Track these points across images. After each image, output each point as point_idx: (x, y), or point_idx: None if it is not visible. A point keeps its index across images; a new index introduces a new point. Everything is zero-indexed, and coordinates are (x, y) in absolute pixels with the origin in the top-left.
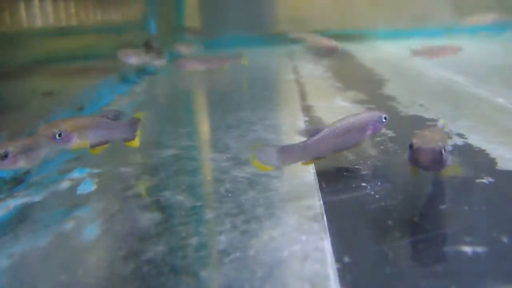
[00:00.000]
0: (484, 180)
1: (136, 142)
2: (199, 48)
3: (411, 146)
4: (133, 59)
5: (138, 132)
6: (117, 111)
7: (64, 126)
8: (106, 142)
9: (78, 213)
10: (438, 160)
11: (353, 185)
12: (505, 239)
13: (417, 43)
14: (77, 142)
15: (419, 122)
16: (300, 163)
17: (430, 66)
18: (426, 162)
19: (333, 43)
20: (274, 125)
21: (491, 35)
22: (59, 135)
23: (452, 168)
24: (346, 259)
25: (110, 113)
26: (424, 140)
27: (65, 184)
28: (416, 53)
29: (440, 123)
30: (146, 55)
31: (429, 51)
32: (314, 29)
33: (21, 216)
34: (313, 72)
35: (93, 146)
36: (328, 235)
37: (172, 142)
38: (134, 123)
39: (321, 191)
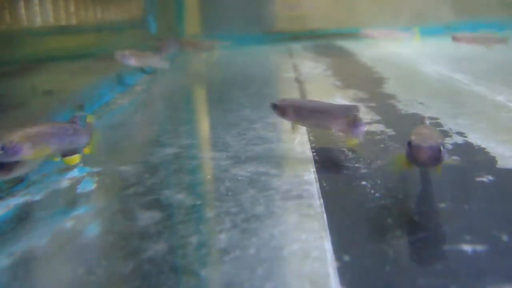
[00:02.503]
0: (484, 178)
1: (87, 149)
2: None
3: (409, 144)
4: (132, 60)
5: (94, 137)
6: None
7: (10, 137)
8: (74, 150)
9: (78, 212)
10: (436, 157)
11: (353, 184)
12: (505, 238)
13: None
14: (29, 153)
15: (419, 121)
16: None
17: (429, 64)
18: (425, 159)
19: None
20: (274, 124)
21: (490, 32)
22: (2, 148)
23: (447, 162)
24: (346, 257)
25: (77, 118)
26: (422, 137)
27: (65, 183)
28: (456, 38)
29: (427, 121)
30: (145, 56)
31: (469, 38)
32: (313, 27)
33: (21, 215)
34: (313, 70)
35: (61, 155)
36: (328, 233)
37: (172, 141)
38: (89, 129)
39: (321, 190)
